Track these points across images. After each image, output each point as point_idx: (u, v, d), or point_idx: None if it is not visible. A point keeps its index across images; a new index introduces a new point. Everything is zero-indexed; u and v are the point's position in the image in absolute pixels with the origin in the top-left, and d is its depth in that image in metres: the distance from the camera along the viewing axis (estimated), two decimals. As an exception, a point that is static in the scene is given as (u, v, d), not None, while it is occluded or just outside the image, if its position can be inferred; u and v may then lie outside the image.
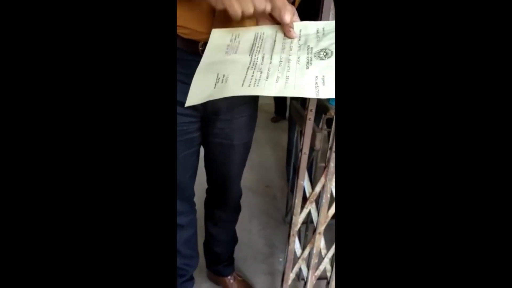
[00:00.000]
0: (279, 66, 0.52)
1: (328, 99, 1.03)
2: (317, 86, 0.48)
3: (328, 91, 0.47)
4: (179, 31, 0.69)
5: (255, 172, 1.95)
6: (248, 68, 0.53)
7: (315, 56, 0.52)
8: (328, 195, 0.85)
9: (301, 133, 0.84)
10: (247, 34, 0.58)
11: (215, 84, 0.52)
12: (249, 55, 0.55)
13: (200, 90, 0.53)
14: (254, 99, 0.87)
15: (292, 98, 1.37)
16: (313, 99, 0.75)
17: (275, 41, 0.56)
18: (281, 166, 2.02)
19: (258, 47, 0.56)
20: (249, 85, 0.50)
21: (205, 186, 1.03)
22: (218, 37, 0.59)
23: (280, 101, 2.92)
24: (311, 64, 0.51)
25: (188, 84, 0.73)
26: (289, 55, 0.53)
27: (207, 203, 1.06)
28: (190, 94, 0.53)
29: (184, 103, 0.76)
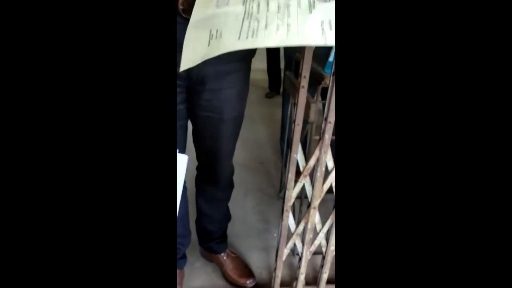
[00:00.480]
0: (278, 13, 0.46)
1: (324, 67, 0.97)
2: (324, 32, 0.43)
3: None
4: None
5: (249, 149, 1.91)
6: (243, 19, 0.47)
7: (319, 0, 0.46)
8: (323, 169, 0.81)
9: (295, 105, 0.78)
10: None
11: (209, 42, 0.47)
12: (243, 5, 0.48)
13: (193, 51, 0.48)
14: (245, 68, 0.81)
15: (286, 69, 1.30)
16: (307, 65, 0.70)
17: None
18: (275, 142, 1.98)
19: None
20: (247, 37, 0.45)
21: (196, 162, 0.98)
22: None
23: (274, 76, 2.84)
24: (314, 7, 0.45)
25: None
26: (288, 0, 0.47)
27: (198, 180, 1.02)
28: (183, 57, 0.48)
29: None
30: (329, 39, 0.42)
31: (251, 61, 0.82)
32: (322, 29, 0.43)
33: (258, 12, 0.47)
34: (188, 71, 0.71)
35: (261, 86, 2.90)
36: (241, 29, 0.46)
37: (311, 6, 0.46)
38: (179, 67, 0.68)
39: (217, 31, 0.47)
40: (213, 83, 0.74)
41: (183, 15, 0.63)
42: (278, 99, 2.65)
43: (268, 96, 2.85)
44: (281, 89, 2.71)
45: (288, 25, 0.45)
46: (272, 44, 0.44)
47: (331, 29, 0.43)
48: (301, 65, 0.71)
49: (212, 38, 0.47)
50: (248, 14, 0.47)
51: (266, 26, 0.45)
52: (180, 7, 0.62)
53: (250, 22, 0.46)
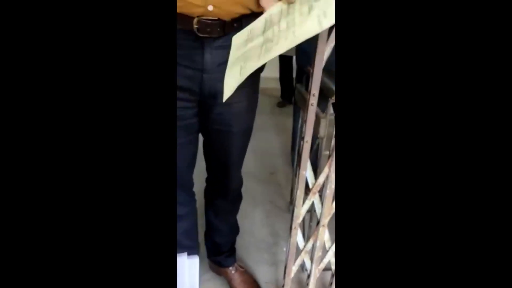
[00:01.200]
0: (287, 29, 0.54)
1: (334, 82, 0.96)
2: (320, 21, 0.49)
3: (330, 20, 0.47)
4: None
5: (260, 159, 1.91)
6: (262, 44, 0.56)
7: (315, 1, 0.53)
8: (333, 186, 0.79)
9: (305, 121, 0.78)
10: (259, 22, 0.61)
11: (240, 72, 0.57)
12: (262, 35, 0.57)
13: (230, 83, 0.58)
14: (253, 83, 0.81)
15: (297, 81, 1.30)
16: (316, 82, 0.69)
17: (281, 12, 0.58)
18: (286, 152, 1.97)
19: (268, 25, 0.58)
20: (264, 55, 0.54)
21: (205, 174, 0.98)
22: (238, 38, 0.63)
23: (286, 85, 2.84)
24: (312, 9, 0.52)
25: (183, 66, 0.68)
26: (294, 14, 0.55)
27: (207, 192, 1.02)
28: (225, 90, 0.58)
29: (179, 86, 0.72)
30: (324, 23, 0.47)
31: (259, 75, 0.82)
32: (318, 20, 0.49)
33: (273, 35, 0.55)
34: (201, 87, 0.72)
35: (273, 95, 2.90)
36: (260, 53, 0.55)
37: (310, 9, 0.52)
38: (186, 82, 0.70)
39: (244, 63, 0.57)
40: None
41: (198, 34, 0.65)
42: (290, 109, 2.64)
43: (280, 105, 2.84)
44: (293, 99, 2.71)
45: (293, 32, 0.52)
46: (282, 50, 0.51)
47: (325, 17, 0.48)
48: (310, 82, 0.71)
49: (242, 69, 0.57)
50: (266, 40, 0.56)
51: (277, 42, 0.53)
52: (195, 26, 0.64)
53: (266, 45, 0.55)
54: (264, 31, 0.59)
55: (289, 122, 1.88)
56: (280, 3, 0.59)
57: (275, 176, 1.80)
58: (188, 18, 0.64)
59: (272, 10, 0.60)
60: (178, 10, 0.63)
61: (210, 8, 0.63)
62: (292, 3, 0.57)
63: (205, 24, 0.64)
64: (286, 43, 0.51)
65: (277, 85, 2.89)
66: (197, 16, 0.63)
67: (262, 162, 1.89)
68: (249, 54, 0.58)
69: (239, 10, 0.66)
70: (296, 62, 1.42)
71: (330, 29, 0.70)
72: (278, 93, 2.90)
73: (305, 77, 1.19)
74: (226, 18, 0.66)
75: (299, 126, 1.37)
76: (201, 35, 0.65)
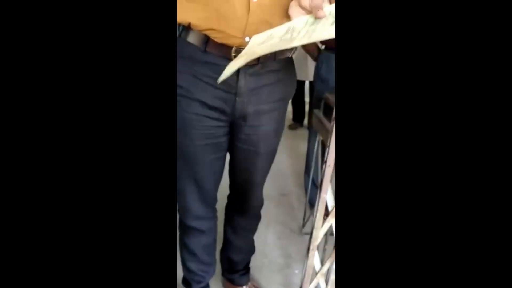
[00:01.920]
0: (305, 34, 0.59)
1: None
2: None
3: None
4: (212, 35, 0.69)
5: (271, 180, 1.91)
6: (273, 41, 0.60)
7: None
8: (352, 210, 0.82)
9: (323, 143, 0.82)
10: (280, 28, 0.62)
11: (244, 60, 0.62)
12: (280, 38, 0.61)
13: (231, 67, 0.64)
14: (282, 108, 0.87)
15: (314, 107, 1.35)
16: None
17: (306, 23, 0.61)
18: (298, 174, 1.99)
19: (289, 32, 0.61)
20: (269, 48, 0.60)
21: (227, 191, 1.02)
22: (256, 39, 0.64)
23: (298, 107, 2.89)
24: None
25: (218, 88, 0.73)
26: (316, 26, 0.58)
27: (228, 208, 1.06)
28: (224, 72, 0.64)
29: (214, 106, 0.76)
30: None
31: (288, 101, 0.88)
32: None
33: (291, 38, 0.60)
34: (233, 108, 0.77)
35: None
36: (268, 49, 0.60)
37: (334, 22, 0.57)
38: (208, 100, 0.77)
39: (251, 53, 0.62)
40: (254, 120, 0.80)
41: None
42: (301, 131, 2.69)
43: (292, 127, 2.89)
44: (305, 121, 2.75)
45: (309, 37, 0.57)
46: (291, 44, 0.57)
47: None
48: (335, 108, 0.75)
49: (246, 57, 0.62)
50: (281, 39, 0.60)
51: (291, 40, 0.59)
52: (233, 54, 0.69)
53: (279, 42, 0.59)
54: (282, 36, 0.60)
55: (301, 145, 1.91)
56: (308, 16, 0.59)
57: (287, 198, 1.81)
58: (227, 48, 0.70)
59: (296, 21, 0.60)
60: (218, 41, 0.69)
61: (247, 39, 0.68)
62: (320, 18, 0.57)
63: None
64: (297, 42, 0.58)
65: (288, 108, 2.94)
66: (236, 46, 0.69)
67: (273, 183, 1.91)
68: (258, 48, 0.61)
69: None
70: (314, 88, 1.48)
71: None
72: (290, 115, 2.96)
73: (322, 103, 1.24)
74: None
75: (314, 149, 1.40)
76: None
